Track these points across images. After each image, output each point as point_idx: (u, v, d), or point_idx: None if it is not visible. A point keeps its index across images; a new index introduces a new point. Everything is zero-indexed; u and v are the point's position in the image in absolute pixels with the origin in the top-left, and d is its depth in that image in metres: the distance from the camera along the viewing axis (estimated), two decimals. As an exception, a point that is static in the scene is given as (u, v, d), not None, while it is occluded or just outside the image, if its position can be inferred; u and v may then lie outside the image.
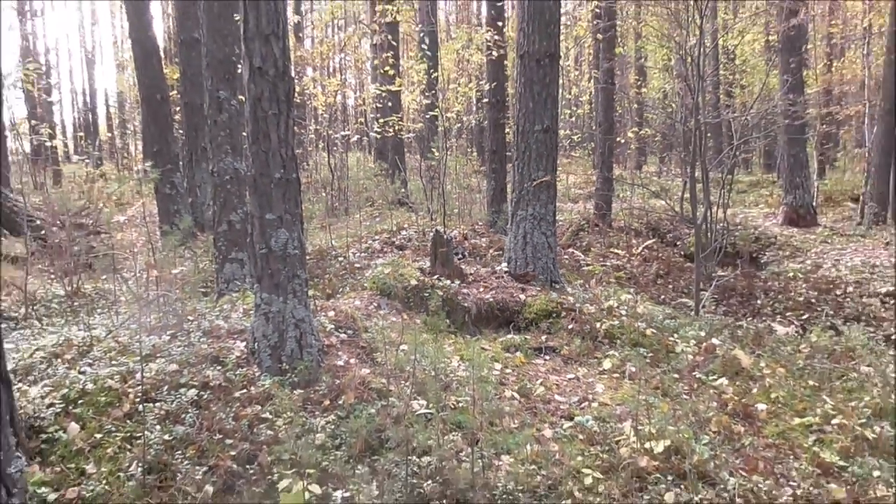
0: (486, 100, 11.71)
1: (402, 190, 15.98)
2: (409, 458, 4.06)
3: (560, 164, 15.12)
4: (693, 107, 7.81)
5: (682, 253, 12.88)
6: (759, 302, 10.08)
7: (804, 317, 9.29)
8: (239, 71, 6.64)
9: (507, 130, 11.85)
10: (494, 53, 11.41)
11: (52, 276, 8.66)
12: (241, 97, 6.61)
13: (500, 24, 11.25)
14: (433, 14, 18.00)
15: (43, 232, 10.81)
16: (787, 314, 9.48)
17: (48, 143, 18.42)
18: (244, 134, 5.87)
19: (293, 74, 4.91)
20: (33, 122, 22.05)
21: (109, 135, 34.92)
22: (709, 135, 10.25)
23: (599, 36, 12.44)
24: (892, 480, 4.45)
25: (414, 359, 5.01)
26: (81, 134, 34.36)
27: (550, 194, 8.10)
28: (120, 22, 36.22)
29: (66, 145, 33.89)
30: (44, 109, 26.87)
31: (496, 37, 11.12)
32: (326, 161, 17.67)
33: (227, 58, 6.67)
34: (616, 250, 11.59)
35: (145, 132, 10.56)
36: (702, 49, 7.66)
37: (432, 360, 4.95)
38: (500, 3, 11.90)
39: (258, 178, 4.70)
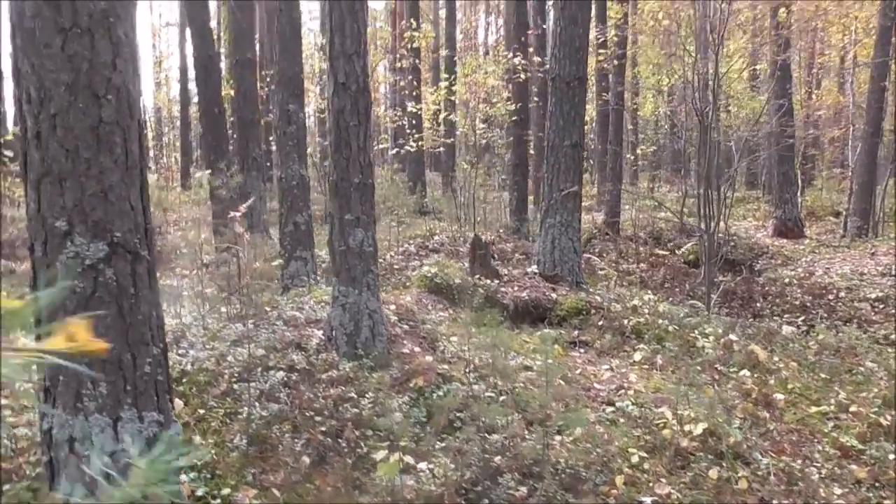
0: (514, 118, 11.85)
1: (424, 200, 16.09)
2: (482, 435, 4.16)
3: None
4: (708, 127, 7.93)
5: (683, 260, 12.96)
6: (758, 305, 10.14)
7: (800, 318, 9.36)
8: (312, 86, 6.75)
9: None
10: (522, 76, 11.57)
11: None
12: (307, 110, 6.71)
13: (531, 49, 11.41)
14: (453, 40, 18.18)
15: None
16: (785, 316, 9.54)
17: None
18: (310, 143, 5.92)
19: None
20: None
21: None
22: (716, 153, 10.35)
23: (615, 62, 12.59)
24: (906, 462, 4.55)
25: (469, 349, 5.11)
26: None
27: (576, 204, 8.22)
28: (165, 44, 36.47)
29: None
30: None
31: (523, 61, 11.28)
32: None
33: (296, 75, 6.79)
34: (627, 256, 11.70)
35: (203, 142, 10.69)
36: (717, 75, 7.78)
37: (490, 350, 5.03)
38: (529, 32, 12.06)
39: (339, 183, 4.80)
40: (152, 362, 2.56)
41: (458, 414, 4.39)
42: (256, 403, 4.14)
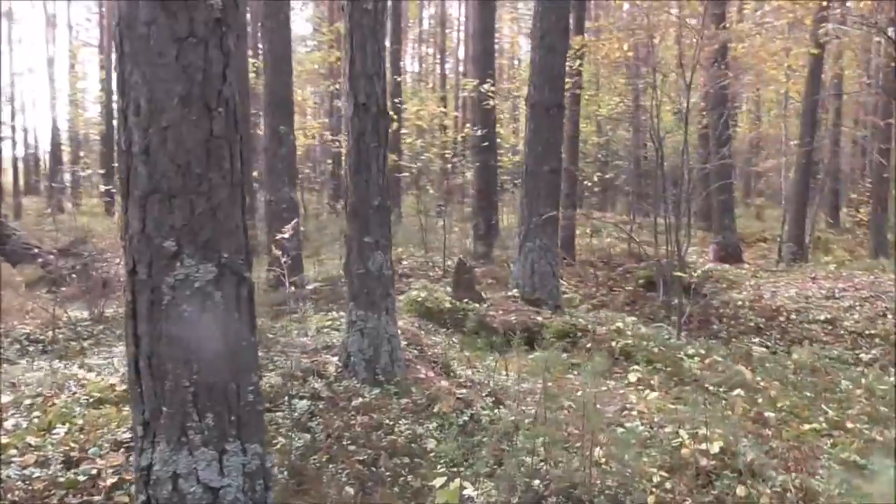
0: (483, 143, 11.97)
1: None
2: (519, 459, 4.12)
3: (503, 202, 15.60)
4: (683, 155, 8.24)
5: (636, 284, 13.31)
6: (714, 326, 10.52)
7: (755, 340, 9.74)
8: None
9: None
10: (491, 103, 11.76)
11: (59, 302, 8.14)
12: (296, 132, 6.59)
13: (503, 77, 11.60)
14: (397, 66, 18.27)
15: (41, 260, 10.30)
16: (741, 337, 9.92)
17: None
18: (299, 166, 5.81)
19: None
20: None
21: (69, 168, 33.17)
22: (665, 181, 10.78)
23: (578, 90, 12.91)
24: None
25: (488, 374, 5.09)
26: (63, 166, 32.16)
27: (554, 228, 8.37)
28: (80, 65, 34.84)
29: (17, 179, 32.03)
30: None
31: (492, 88, 11.47)
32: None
33: (287, 96, 6.65)
34: (585, 280, 11.94)
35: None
36: (688, 107, 8.12)
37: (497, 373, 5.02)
38: (497, 60, 12.27)
39: (358, 205, 4.72)
40: (253, 391, 2.43)
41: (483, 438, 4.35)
42: (291, 433, 3.98)
